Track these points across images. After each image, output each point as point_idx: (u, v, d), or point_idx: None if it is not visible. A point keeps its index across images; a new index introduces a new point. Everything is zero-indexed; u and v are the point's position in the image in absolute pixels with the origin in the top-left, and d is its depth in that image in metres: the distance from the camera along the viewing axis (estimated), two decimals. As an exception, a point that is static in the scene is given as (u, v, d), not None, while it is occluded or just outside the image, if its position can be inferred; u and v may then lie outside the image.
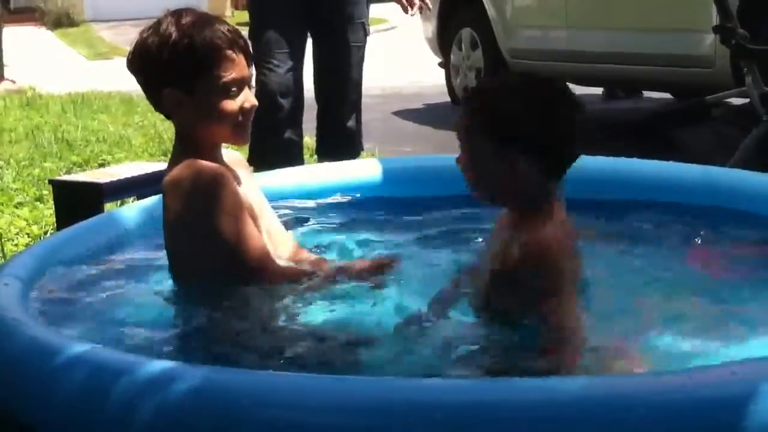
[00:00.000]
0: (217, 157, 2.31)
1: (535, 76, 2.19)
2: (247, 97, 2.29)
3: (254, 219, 2.30)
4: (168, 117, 2.35)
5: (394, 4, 4.54)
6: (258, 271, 2.23)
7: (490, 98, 2.05)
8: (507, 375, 1.82)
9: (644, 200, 2.99)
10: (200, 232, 2.20)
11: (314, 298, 2.22)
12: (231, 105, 2.26)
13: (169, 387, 1.56)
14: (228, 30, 2.27)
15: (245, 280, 2.22)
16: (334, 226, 2.98)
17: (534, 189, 2.02)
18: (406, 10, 4.51)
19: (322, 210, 3.13)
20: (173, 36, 2.22)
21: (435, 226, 2.90)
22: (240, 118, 2.28)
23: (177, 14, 2.27)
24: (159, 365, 1.65)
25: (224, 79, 2.24)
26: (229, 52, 2.24)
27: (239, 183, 2.31)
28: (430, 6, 4.64)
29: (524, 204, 2.05)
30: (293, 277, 2.28)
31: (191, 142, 2.28)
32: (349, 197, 3.22)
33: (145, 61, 2.26)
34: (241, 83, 2.27)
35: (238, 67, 2.26)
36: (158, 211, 2.35)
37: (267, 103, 3.87)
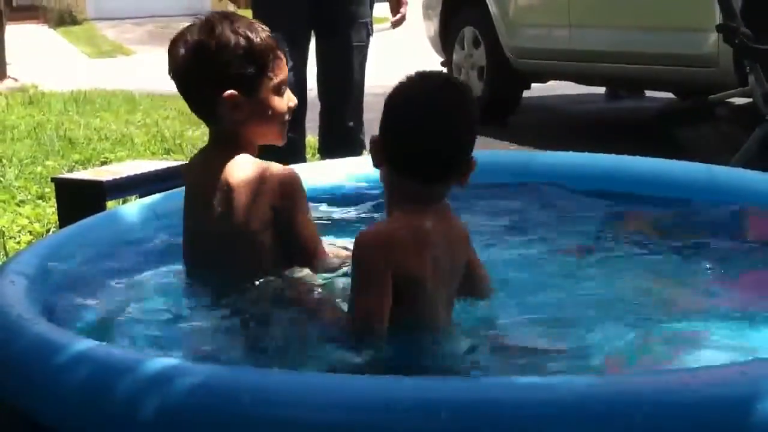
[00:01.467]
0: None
1: (438, 83, 2.06)
2: (290, 97, 2.36)
3: None
4: (208, 120, 2.33)
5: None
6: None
7: (392, 95, 2.05)
8: None
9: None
10: (286, 227, 2.23)
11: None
12: (282, 104, 2.33)
13: (173, 384, 1.56)
14: (270, 32, 2.33)
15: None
16: (334, 222, 2.98)
17: (398, 192, 2.02)
18: (393, 17, 4.52)
19: (323, 206, 3.12)
20: (232, 39, 2.25)
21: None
22: (287, 117, 2.35)
23: (226, 17, 2.31)
24: (162, 362, 1.65)
25: (276, 80, 2.30)
26: (279, 53, 2.31)
27: None
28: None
29: (389, 206, 2.06)
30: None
31: (237, 142, 2.29)
32: (351, 194, 3.22)
33: (202, 65, 2.25)
34: (286, 83, 2.34)
35: (285, 67, 2.34)
36: (161, 209, 2.35)
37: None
